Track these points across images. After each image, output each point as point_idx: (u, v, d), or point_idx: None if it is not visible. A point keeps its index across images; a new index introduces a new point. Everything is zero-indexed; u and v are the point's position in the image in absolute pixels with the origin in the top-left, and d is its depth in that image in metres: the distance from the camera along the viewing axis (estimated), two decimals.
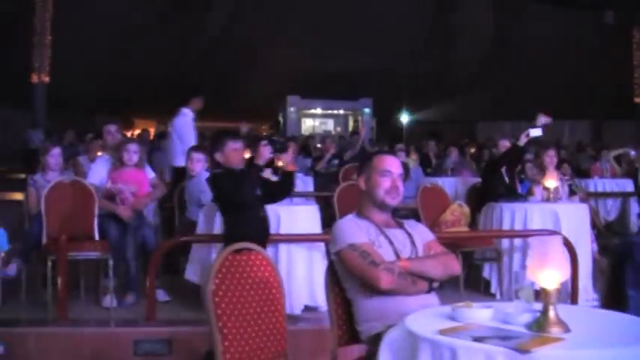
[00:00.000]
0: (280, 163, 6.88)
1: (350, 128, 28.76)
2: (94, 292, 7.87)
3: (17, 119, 25.37)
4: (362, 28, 27.08)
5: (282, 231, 7.15)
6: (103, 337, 6.68)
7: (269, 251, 6.59)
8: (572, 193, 9.80)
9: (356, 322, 4.12)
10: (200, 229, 7.64)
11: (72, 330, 6.69)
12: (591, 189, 13.66)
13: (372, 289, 3.96)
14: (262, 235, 5.99)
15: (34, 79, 23.78)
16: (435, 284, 4.06)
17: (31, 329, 6.68)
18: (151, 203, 8.74)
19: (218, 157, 6.00)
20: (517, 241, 8.17)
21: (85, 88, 26.84)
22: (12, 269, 7.26)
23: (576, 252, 7.39)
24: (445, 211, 8.72)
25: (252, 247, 4.26)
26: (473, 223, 8.97)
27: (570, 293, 7.42)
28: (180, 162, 9.71)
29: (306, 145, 18.92)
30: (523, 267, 7.82)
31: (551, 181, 8.53)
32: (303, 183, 11.75)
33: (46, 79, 23.77)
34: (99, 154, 8.95)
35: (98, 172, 8.15)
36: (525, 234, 7.91)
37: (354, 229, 4.11)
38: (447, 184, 11.56)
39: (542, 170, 9.02)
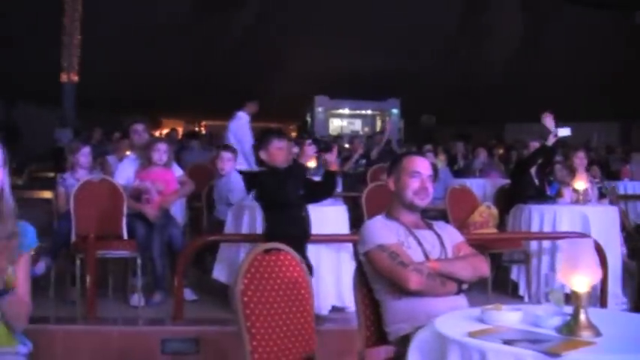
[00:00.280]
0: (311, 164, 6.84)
1: (378, 129, 28.69)
2: (122, 291, 7.89)
3: (46, 118, 25.53)
4: (390, 29, 27.02)
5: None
6: (131, 336, 6.70)
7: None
8: (601, 195, 9.72)
9: (384, 324, 4.11)
10: (228, 228, 7.65)
11: (100, 328, 6.72)
12: (621, 191, 13.53)
13: (401, 290, 3.95)
14: (303, 234, 5.98)
15: (63, 78, 23.92)
16: (464, 286, 4.05)
17: (59, 327, 6.71)
18: (180, 199, 8.76)
19: (262, 155, 5.99)
20: (546, 244, 8.12)
21: (113, 87, 26.97)
22: (40, 267, 7.29)
23: (605, 255, 7.33)
24: (473, 212, 8.68)
25: (282, 247, 4.25)
26: (501, 225, 8.92)
27: (599, 296, 7.36)
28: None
29: None
30: (552, 269, 7.77)
31: (581, 183, 8.47)
32: None
33: (75, 78, 23.90)
34: (127, 153, 8.98)
35: (125, 171, 8.17)
36: (554, 236, 7.86)
37: (383, 230, 4.10)
38: (475, 185, 11.50)
39: (572, 172, 8.97)
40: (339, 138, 21.95)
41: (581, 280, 3.10)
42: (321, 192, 6.37)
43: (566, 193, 8.81)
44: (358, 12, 26.82)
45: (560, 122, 8.77)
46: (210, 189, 9.06)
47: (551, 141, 8.68)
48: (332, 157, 6.18)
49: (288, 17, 27.30)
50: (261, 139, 6.12)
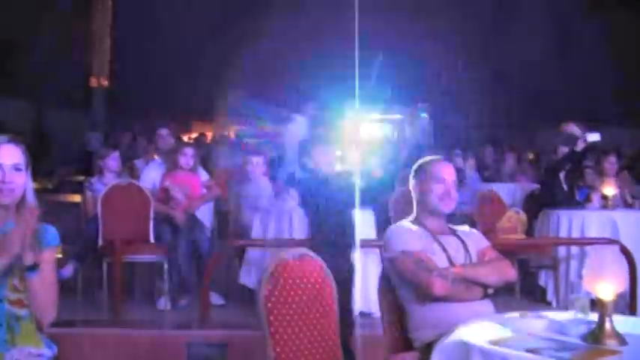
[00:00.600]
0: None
1: (407, 133, 28.59)
2: (149, 295, 7.92)
3: (77, 122, 25.69)
4: (419, 34, 26.96)
5: None
6: (157, 340, 6.71)
7: None
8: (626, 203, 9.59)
9: (409, 330, 4.09)
10: (255, 233, 7.66)
11: (126, 332, 6.74)
12: None
13: (426, 296, 3.93)
14: (349, 239, 5.96)
15: (94, 82, 24.10)
16: (490, 291, 4.02)
17: (86, 330, 6.76)
18: (207, 203, 8.78)
19: (307, 161, 5.98)
20: (574, 249, 8.05)
21: (143, 91, 27.09)
22: (68, 271, 7.34)
23: (635, 260, 7.25)
24: (501, 218, 8.63)
25: (306, 253, 4.23)
26: (530, 231, 8.86)
27: (629, 303, 7.29)
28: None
29: None
30: (580, 276, 7.70)
31: (610, 189, 8.40)
32: None
33: (105, 82, 24.08)
34: (154, 157, 9.01)
35: (150, 175, 8.22)
36: (582, 242, 7.80)
37: (407, 236, 4.09)
38: (504, 190, 11.41)
39: (603, 176, 8.90)
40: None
41: (607, 287, 3.06)
42: (365, 197, 6.35)
43: (595, 198, 8.74)
44: (387, 17, 26.78)
45: (590, 127, 8.70)
46: (237, 194, 9.06)
47: (580, 146, 8.61)
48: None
49: (320, 19, 27.31)
50: (306, 146, 6.11)
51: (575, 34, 27.45)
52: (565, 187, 8.88)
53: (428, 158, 4.41)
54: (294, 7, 27.69)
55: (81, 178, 14.05)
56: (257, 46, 28.46)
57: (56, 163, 18.10)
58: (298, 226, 7.40)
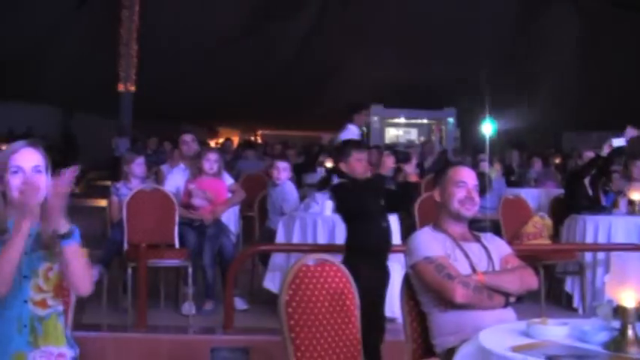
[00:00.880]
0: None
1: (433, 138, 28.57)
2: (174, 299, 7.94)
3: (104, 127, 25.88)
4: (445, 38, 26.92)
5: None
6: (181, 344, 6.75)
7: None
8: None
9: (431, 336, 4.08)
10: (279, 237, 7.67)
11: (150, 336, 6.77)
12: None
13: (448, 303, 3.92)
14: (384, 245, 5.94)
15: (121, 88, 24.24)
16: (512, 299, 4.00)
17: (110, 334, 6.80)
18: (233, 209, 8.79)
19: (342, 166, 5.97)
20: (600, 255, 8.00)
21: (170, 96, 27.23)
22: (93, 275, 7.35)
23: None
24: (527, 223, 8.58)
25: (327, 258, 4.23)
26: (555, 236, 8.81)
27: None
28: None
29: None
30: (603, 283, 7.65)
31: (637, 194, 8.34)
32: None
33: (132, 88, 24.21)
34: (180, 163, 9.04)
35: (174, 180, 8.24)
36: (609, 247, 7.74)
37: (430, 242, 4.08)
38: (530, 195, 11.37)
39: (630, 181, 8.85)
40: (393, 147, 21.86)
41: (630, 294, 3.03)
42: (401, 203, 6.34)
43: (622, 203, 8.68)
44: (414, 22, 26.77)
45: (617, 131, 8.65)
46: (263, 198, 9.09)
47: (605, 151, 8.56)
48: (411, 168, 6.13)
49: (343, 27, 27.33)
50: (341, 151, 6.10)
51: (601, 37, 27.24)
52: (590, 192, 8.83)
53: (449, 164, 4.41)
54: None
55: (108, 182, 14.15)
56: (278, 52, 28.56)
57: (84, 168, 18.21)
58: (322, 232, 7.41)
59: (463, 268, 3.98)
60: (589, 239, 8.05)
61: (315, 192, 8.90)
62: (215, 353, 6.42)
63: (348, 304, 4.14)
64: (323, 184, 10.62)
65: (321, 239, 7.35)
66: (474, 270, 3.99)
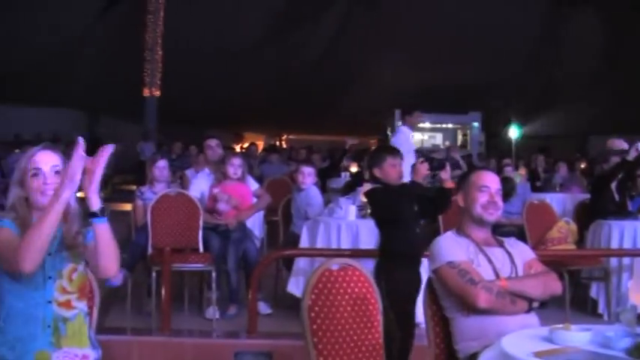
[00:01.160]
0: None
1: (459, 142, 28.50)
2: (198, 303, 7.97)
3: (130, 131, 25.99)
4: (470, 42, 26.86)
5: None
6: (205, 348, 6.77)
7: (369, 267, 6.58)
8: None
9: (454, 341, 4.06)
10: (303, 242, 7.68)
11: (174, 340, 6.81)
12: None
13: (470, 308, 3.91)
14: (417, 251, 5.95)
15: (146, 92, 24.35)
16: (535, 304, 3.98)
17: (134, 338, 6.84)
18: (258, 213, 8.81)
19: (376, 172, 5.97)
20: (626, 260, 7.95)
21: (195, 101, 27.32)
22: (118, 279, 7.36)
23: None
24: (552, 228, 8.53)
25: (350, 263, 4.23)
26: (580, 241, 8.77)
27: None
28: None
29: None
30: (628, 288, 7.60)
31: None
32: None
33: (157, 92, 24.32)
34: (205, 167, 9.07)
35: (199, 185, 8.27)
36: (635, 253, 7.70)
37: (453, 247, 4.07)
38: (556, 200, 11.33)
39: None
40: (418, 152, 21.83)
41: None
42: (435, 209, 6.33)
43: None
44: (439, 26, 26.73)
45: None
46: (287, 203, 9.10)
47: (632, 155, 8.52)
48: (446, 175, 6.11)
49: (367, 32, 27.33)
50: (375, 156, 6.10)
51: (626, 41, 27.09)
52: (617, 196, 8.78)
53: (472, 168, 4.40)
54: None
55: (133, 187, 14.20)
56: (303, 56, 28.58)
57: (109, 172, 18.30)
58: (346, 237, 7.42)
59: (486, 273, 3.97)
60: (614, 244, 8.01)
61: (339, 197, 8.92)
62: (239, 357, 6.44)
63: (370, 308, 4.14)
64: (347, 189, 10.64)
65: (345, 244, 7.36)
66: (497, 275, 3.97)
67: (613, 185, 8.87)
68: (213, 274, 7.43)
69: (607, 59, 28.15)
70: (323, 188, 11.73)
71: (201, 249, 7.72)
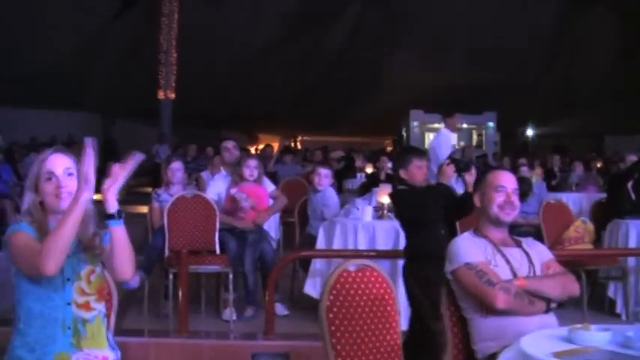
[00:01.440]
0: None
1: (474, 142, 28.46)
2: (215, 305, 7.98)
3: (145, 134, 26.06)
4: (485, 42, 26.82)
5: (402, 246, 7.11)
6: (222, 350, 6.77)
7: (386, 267, 6.58)
8: None
9: (472, 342, 4.05)
10: (320, 243, 7.67)
11: (191, 342, 6.82)
12: None
13: (489, 309, 3.90)
14: (443, 252, 5.94)
15: (161, 95, 24.40)
16: (553, 305, 3.97)
17: (152, 340, 6.85)
18: (275, 214, 8.81)
19: (402, 173, 5.97)
20: None
21: (210, 103, 27.36)
22: (135, 281, 7.37)
23: None
24: (568, 227, 8.51)
25: (368, 264, 4.23)
26: (597, 241, 8.74)
27: None
28: None
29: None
30: None
31: None
32: None
33: (172, 95, 24.36)
34: (221, 169, 9.08)
35: (216, 187, 8.27)
36: None
37: (470, 248, 4.06)
38: (572, 199, 11.30)
39: None
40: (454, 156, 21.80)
41: None
42: (460, 211, 6.33)
43: None
44: (454, 26, 26.69)
45: None
46: (303, 204, 9.10)
47: None
48: (471, 178, 6.11)
49: (383, 32, 27.32)
50: (402, 158, 6.09)
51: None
52: (633, 196, 8.75)
53: (488, 168, 4.39)
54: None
55: (149, 189, 14.21)
56: (318, 57, 28.58)
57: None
58: (363, 238, 7.41)
59: (504, 273, 3.96)
60: (632, 244, 7.98)
61: (355, 198, 8.91)
62: (256, 359, 6.45)
63: (388, 309, 4.14)
64: (363, 190, 10.62)
65: (362, 245, 7.35)
66: (514, 275, 3.96)
67: (629, 184, 8.83)
68: (230, 276, 7.43)
69: (623, 59, 28.07)
70: (339, 189, 11.72)
71: (217, 251, 7.72)
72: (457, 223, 8.71)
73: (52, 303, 3.37)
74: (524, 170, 11.43)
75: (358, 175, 14.27)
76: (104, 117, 29.01)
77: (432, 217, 5.75)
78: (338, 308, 3.98)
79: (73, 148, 8.88)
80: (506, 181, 4.18)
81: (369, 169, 13.90)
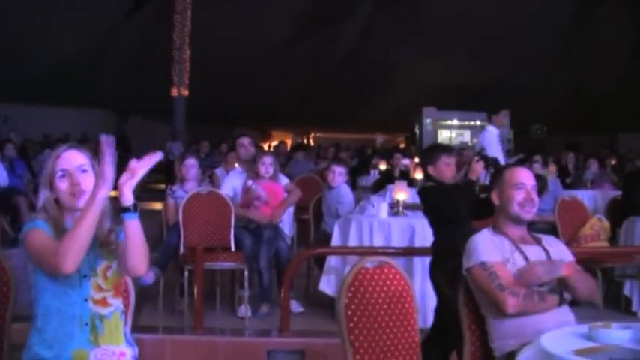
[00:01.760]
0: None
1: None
2: (230, 302, 7.98)
3: (159, 131, 26.12)
4: (498, 39, 26.76)
5: (417, 244, 7.11)
6: (237, 347, 6.77)
7: (403, 264, 6.56)
8: None
9: (490, 339, 4.04)
10: (335, 240, 7.67)
11: (207, 339, 6.80)
12: None
13: (500, 311, 3.90)
14: None
15: (174, 92, 24.43)
16: (567, 296, 3.95)
17: (167, 337, 6.84)
18: (288, 212, 8.81)
19: (430, 170, 5.96)
20: None
21: (223, 101, 27.38)
22: (150, 278, 7.39)
23: None
24: (584, 225, 8.48)
25: (386, 261, 4.22)
26: (613, 238, 8.70)
27: None
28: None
29: None
30: None
31: None
32: None
33: (186, 92, 24.39)
34: (235, 166, 9.07)
35: (231, 184, 8.28)
36: None
37: (488, 246, 4.04)
38: (586, 197, 11.25)
39: None
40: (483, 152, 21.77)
41: None
42: (487, 208, 6.32)
43: None
44: (465, 26, 26.65)
45: None
46: (317, 201, 9.09)
47: None
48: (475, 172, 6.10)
49: (396, 29, 27.30)
50: (430, 155, 6.09)
51: None
52: None
53: (505, 165, 4.37)
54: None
55: (163, 186, 14.22)
56: (331, 54, 28.57)
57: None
58: (378, 235, 7.40)
59: None
60: None
61: (370, 195, 8.89)
62: (271, 355, 6.45)
63: (407, 306, 4.13)
64: (377, 187, 10.61)
65: (378, 242, 7.34)
66: None
67: None
68: (245, 273, 7.42)
69: (636, 56, 27.97)
70: (353, 186, 11.70)
71: (232, 247, 7.72)
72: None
73: (70, 299, 3.37)
74: (538, 167, 11.40)
75: (372, 172, 14.26)
76: (117, 114, 29.09)
77: (461, 215, 5.73)
78: (356, 305, 3.97)
79: (87, 145, 8.89)
80: (525, 178, 4.17)
81: (383, 166, 13.88)
